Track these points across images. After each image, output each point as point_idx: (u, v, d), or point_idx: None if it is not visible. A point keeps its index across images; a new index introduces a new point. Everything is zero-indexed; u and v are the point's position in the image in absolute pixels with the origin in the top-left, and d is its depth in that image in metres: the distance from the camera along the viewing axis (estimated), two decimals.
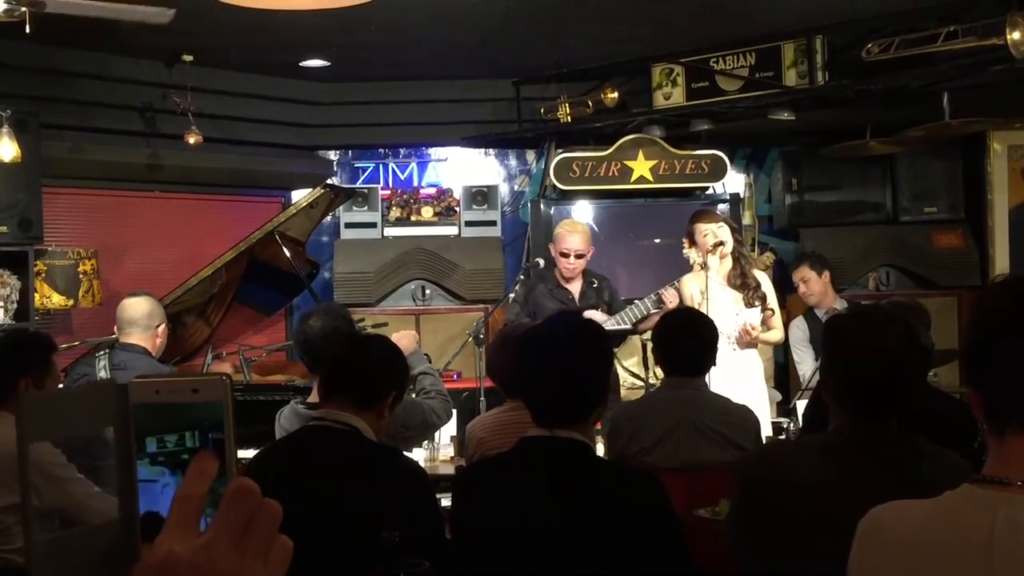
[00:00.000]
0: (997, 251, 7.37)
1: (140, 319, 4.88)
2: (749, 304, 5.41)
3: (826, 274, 6.59)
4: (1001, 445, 1.53)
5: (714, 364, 3.99)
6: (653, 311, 5.67)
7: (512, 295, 6.11)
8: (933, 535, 1.52)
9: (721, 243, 5.43)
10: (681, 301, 5.53)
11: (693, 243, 5.55)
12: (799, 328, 6.51)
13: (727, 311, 5.29)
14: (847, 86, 6.36)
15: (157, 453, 0.81)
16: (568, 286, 5.96)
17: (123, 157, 6.84)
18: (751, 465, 2.65)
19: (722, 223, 5.53)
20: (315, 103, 7.70)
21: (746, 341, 5.35)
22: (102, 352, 4.99)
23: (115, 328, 5.00)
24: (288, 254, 6.09)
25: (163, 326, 4.98)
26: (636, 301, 5.81)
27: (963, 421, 3.40)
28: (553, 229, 6.30)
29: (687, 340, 3.90)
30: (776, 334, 5.60)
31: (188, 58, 6.46)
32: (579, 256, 5.88)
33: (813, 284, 6.55)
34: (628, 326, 5.83)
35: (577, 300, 5.91)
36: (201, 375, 0.84)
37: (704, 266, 5.45)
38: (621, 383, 6.20)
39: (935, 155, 7.51)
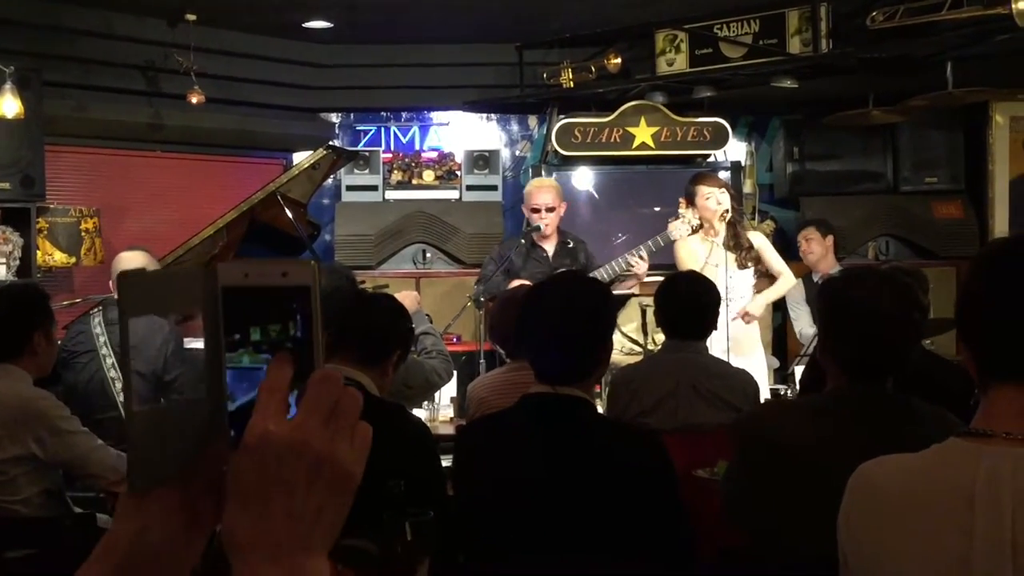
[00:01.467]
0: (997, 222, 7.38)
1: None
2: (742, 265, 5.47)
3: (830, 238, 6.66)
4: (987, 399, 1.57)
5: (715, 328, 4.02)
6: (624, 272, 5.72)
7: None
8: (918, 487, 1.56)
9: (727, 211, 5.47)
10: (679, 264, 5.55)
11: (691, 204, 5.58)
12: (796, 288, 6.55)
13: (722, 273, 5.33)
14: (851, 54, 6.34)
15: (261, 342, 0.81)
16: (543, 244, 5.97)
17: (125, 116, 6.84)
18: (748, 425, 2.68)
19: (724, 188, 5.57)
20: (318, 65, 7.69)
21: (744, 319, 5.46)
22: (96, 309, 5.00)
23: (110, 284, 5.01)
24: (290, 215, 6.09)
25: None
26: (608, 263, 5.84)
27: (958, 385, 3.43)
28: None
29: (690, 302, 3.92)
30: (785, 282, 5.70)
31: (191, 17, 6.45)
32: (549, 210, 5.89)
33: (815, 244, 6.61)
34: None
35: (551, 259, 5.92)
36: (291, 260, 0.85)
37: (698, 229, 5.51)
38: (619, 349, 6.23)
39: (937, 125, 7.52)
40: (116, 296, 0.83)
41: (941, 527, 1.50)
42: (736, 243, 5.51)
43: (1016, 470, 1.45)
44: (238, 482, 0.78)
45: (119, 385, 4.59)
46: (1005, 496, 1.46)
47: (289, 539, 0.78)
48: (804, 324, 6.53)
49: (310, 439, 0.78)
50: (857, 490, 1.65)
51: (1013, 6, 5.36)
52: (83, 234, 6.27)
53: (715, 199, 5.49)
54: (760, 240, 5.64)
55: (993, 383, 1.56)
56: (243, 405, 0.81)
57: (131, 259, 4.95)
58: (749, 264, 5.49)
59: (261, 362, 0.81)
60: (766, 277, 5.83)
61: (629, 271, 5.70)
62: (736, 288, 5.45)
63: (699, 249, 5.55)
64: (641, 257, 5.65)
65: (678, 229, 5.58)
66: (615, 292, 5.65)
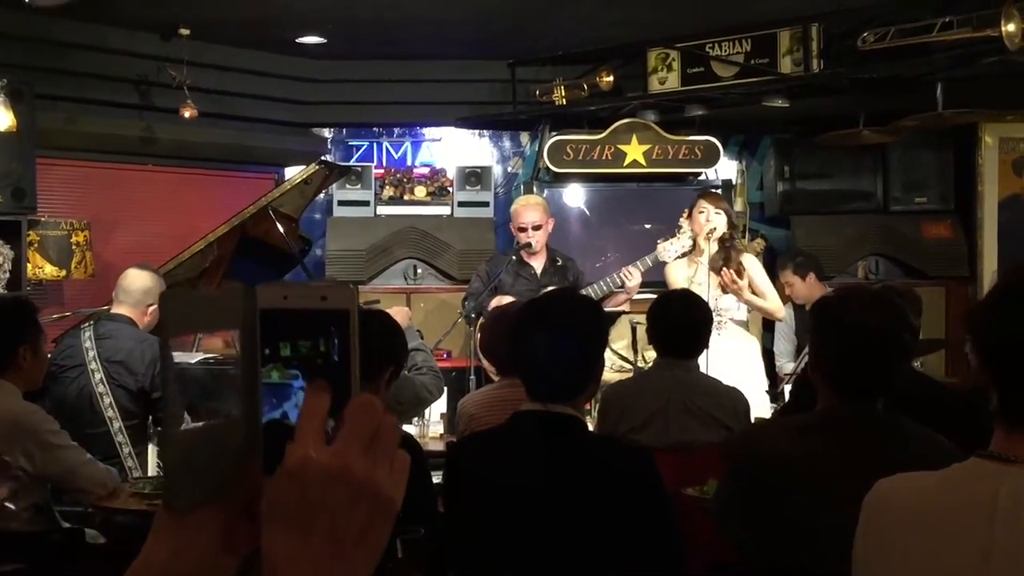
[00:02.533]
0: (985, 243, 7.42)
1: (135, 292, 4.86)
2: (726, 290, 5.45)
3: (811, 276, 6.62)
4: (1009, 433, 1.56)
5: (707, 347, 4.03)
6: (615, 289, 5.72)
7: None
8: (939, 504, 1.56)
9: (715, 230, 5.47)
10: (667, 284, 5.57)
11: (690, 215, 5.61)
12: (784, 324, 6.56)
13: (704, 292, 5.32)
14: (842, 74, 6.38)
15: (291, 358, 0.81)
16: (531, 262, 5.96)
17: (117, 129, 6.83)
18: (740, 444, 2.69)
19: (722, 211, 5.56)
20: (310, 80, 7.70)
21: (734, 290, 5.43)
22: (87, 324, 4.98)
23: (113, 295, 4.99)
24: (281, 230, 6.09)
25: (155, 307, 4.96)
26: (599, 281, 5.84)
27: (948, 406, 3.43)
28: None
29: (682, 321, 3.93)
30: (770, 303, 5.64)
31: (184, 32, 6.45)
32: (536, 228, 5.89)
33: (798, 288, 6.60)
34: None
35: (539, 276, 5.92)
36: (330, 282, 0.85)
37: (690, 251, 5.52)
38: (610, 366, 6.23)
39: (927, 146, 7.56)
40: (161, 315, 0.83)
41: (959, 545, 1.51)
42: (724, 265, 5.48)
43: None
44: (278, 506, 0.78)
45: (108, 400, 4.57)
46: None
47: (331, 562, 0.78)
48: (784, 360, 6.54)
49: (351, 465, 0.78)
50: (874, 506, 1.65)
51: (1003, 29, 5.40)
52: (74, 247, 6.26)
53: (707, 216, 5.50)
54: (752, 265, 5.60)
55: (1016, 428, 1.55)
56: (269, 422, 0.82)
57: (135, 276, 4.91)
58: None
59: (290, 378, 0.82)
60: None
61: (621, 287, 5.70)
62: (726, 311, 5.45)
63: (683, 268, 5.56)
64: (629, 274, 5.65)
65: (666, 251, 5.60)
66: (606, 310, 5.66)
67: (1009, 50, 5.46)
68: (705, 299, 5.15)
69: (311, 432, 0.79)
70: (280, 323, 0.81)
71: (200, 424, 0.82)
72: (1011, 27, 5.40)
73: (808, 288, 6.54)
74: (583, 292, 5.74)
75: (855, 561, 1.67)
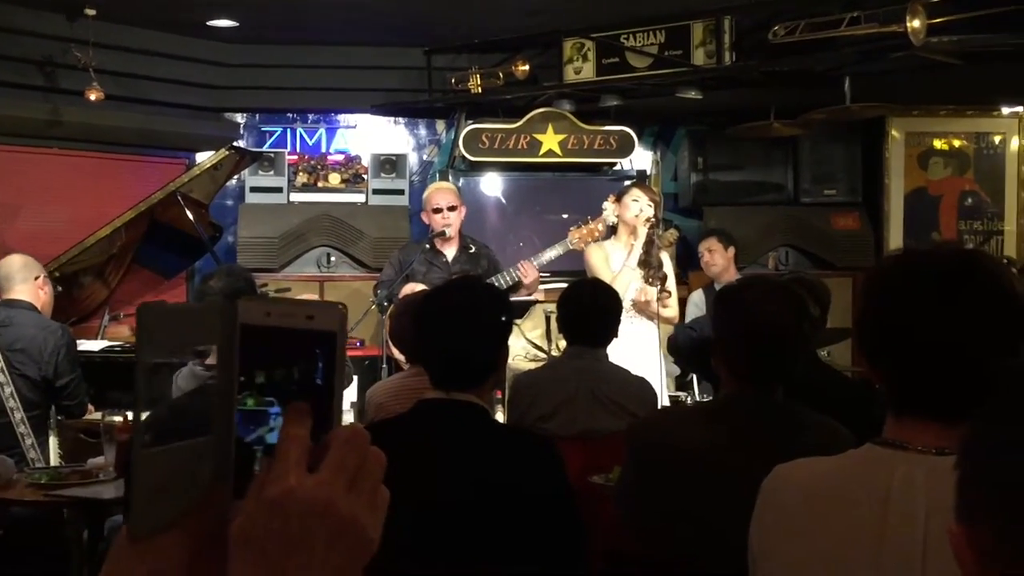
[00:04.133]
0: (892, 234, 7.60)
1: (16, 272, 4.73)
2: (649, 282, 5.47)
3: (732, 250, 6.71)
4: (898, 419, 1.58)
5: (615, 336, 4.05)
6: (509, 284, 5.74)
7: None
8: (834, 489, 1.58)
9: (649, 220, 5.46)
10: (587, 271, 5.58)
11: (619, 200, 5.58)
12: (695, 304, 6.61)
13: (627, 285, 5.35)
14: (753, 67, 6.46)
15: (266, 384, 0.77)
16: (444, 249, 5.95)
17: (21, 112, 6.64)
18: (640, 431, 2.70)
19: (655, 203, 5.55)
20: (222, 64, 7.57)
21: (642, 308, 5.41)
22: None
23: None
24: (191, 216, 6.00)
25: (42, 278, 4.82)
26: (497, 274, 5.85)
27: (848, 396, 3.50)
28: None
29: (591, 310, 3.95)
30: (671, 311, 5.65)
31: (91, 12, 6.28)
32: (451, 209, 5.88)
33: (718, 256, 6.64)
34: None
35: (450, 264, 5.91)
36: (318, 301, 0.79)
37: (604, 237, 5.55)
38: (524, 355, 6.25)
39: (836, 139, 7.71)
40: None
41: (854, 529, 1.52)
42: (646, 260, 5.47)
43: (930, 476, 1.48)
44: (253, 538, 0.74)
45: (8, 390, 4.46)
46: (919, 500, 1.48)
47: None
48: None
49: (335, 500, 0.74)
50: (772, 490, 1.67)
51: (908, 24, 5.52)
52: None
53: (641, 206, 5.48)
54: (667, 264, 5.60)
55: (903, 412, 1.58)
56: (236, 441, 0.78)
57: (7, 262, 4.78)
58: (656, 283, 5.48)
59: (266, 405, 0.77)
60: None
61: (516, 281, 5.72)
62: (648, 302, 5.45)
63: (615, 254, 5.53)
64: (525, 272, 5.67)
65: (581, 238, 5.62)
66: (517, 299, 5.66)
67: (915, 45, 5.58)
68: (625, 287, 5.21)
69: (293, 460, 0.74)
70: (261, 341, 0.76)
71: (168, 446, 0.77)
72: (916, 23, 5.52)
73: (727, 260, 6.62)
74: (489, 281, 5.76)
75: (751, 546, 1.69)
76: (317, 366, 0.77)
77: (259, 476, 0.76)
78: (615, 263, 5.48)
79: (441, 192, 5.97)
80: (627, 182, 6.13)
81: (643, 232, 5.45)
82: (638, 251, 5.43)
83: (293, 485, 0.74)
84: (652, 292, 5.43)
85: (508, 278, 5.79)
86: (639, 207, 5.48)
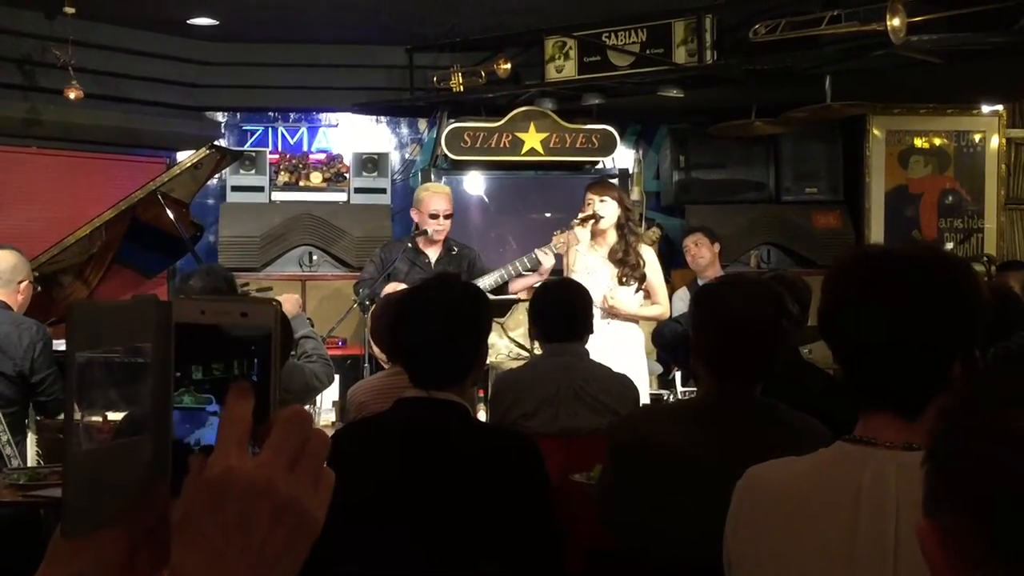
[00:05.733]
0: (872, 232, 7.63)
1: (2, 273, 4.71)
2: (623, 282, 5.41)
3: (717, 246, 6.76)
4: (867, 416, 1.59)
5: (591, 331, 4.05)
6: (524, 273, 5.74)
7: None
8: (807, 489, 1.59)
9: (592, 217, 5.41)
10: (564, 271, 5.57)
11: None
12: (681, 299, 6.61)
13: (602, 284, 5.31)
14: (734, 65, 6.48)
15: (203, 381, 0.77)
16: (427, 250, 5.94)
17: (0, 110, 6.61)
18: (621, 429, 2.70)
19: (608, 198, 5.45)
20: (203, 63, 7.53)
21: (613, 312, 5.34)
22: None
23: None
24: (171, 215, 5.97)
25: (26, 283, 4.80)
26: (514, 261, 5.84)
27: (827, 394, 3.49)
28: None
29: (559, 305, 3.97)
30: (658, 308, 5.61)
31: (70, 10, 6.24)
32: (447, 216, 5.89)
33: (704, 249, 6.68)
34: (490, 283, 5.79)
35: (433, 265, 5.90)
36: (252, 299, 0.80)
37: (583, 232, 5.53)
38: (507, 354, 6.24)
39: (817, 138, 7.73)
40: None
41: (828, 527, 1.53)
42: (622, 258, 5.40)
43: (900, 472, 1.49)
44: (193, 520, 0.73)
45: None
46: (890, 496, 1.49)
47: None
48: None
49: (276, 480, 0.73)
50: (746, 492, 1.67)
51: (888, 23, 5.53)
52: None
53: (592, 206, 5.45)
54: (650, 258, 5.52)
55: (870, 410, 1.59)
56: (175, 441, 0.77)
57: (2, 260, 4.76)
58: (632, 282, 5.41)
59: (204, 402, 0.77)
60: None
61: (535, 268, 5.69)
62: (620, 301, 5.38)
63: (580, 257, 5.51)
64: (545, 253, 5.66)
65: (562, 244, 5.60)
66: (499, 298, 5.65)
67: (895, 44, 5.60)
68: (599, 286, 5.20)
69: (234, 440, 0.74)
70: (196, 339, 0.77)
71: (104, 444, 0.76)
72: (896, 21, 5.54)
73: (713, 255, 6.66)
74: (491, 275, 5.76)
75: (726, 547, 1.69)
76: (253, 363, 0.77)
77: (199, 459, 0.75)
78: (580, 265, 5.44)
79: (440, 198, 5.94)
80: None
81: (583, 233, 5.40)
82: (588, 251, 5.40)
83: (233, 465, 0.73)
84: (623, 292, 5.37)
85: (519, 266, 5.80)
86: (592, 209, 5.43)
